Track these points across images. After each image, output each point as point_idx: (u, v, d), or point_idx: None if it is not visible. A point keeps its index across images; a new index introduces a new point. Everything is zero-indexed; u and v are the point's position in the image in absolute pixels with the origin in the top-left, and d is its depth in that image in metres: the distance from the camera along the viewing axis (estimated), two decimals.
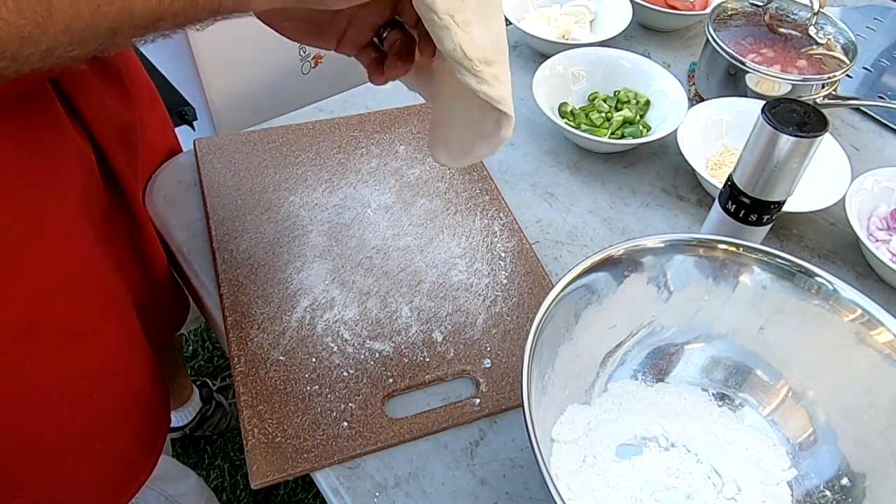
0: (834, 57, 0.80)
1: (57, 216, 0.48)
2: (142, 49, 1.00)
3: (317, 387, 0.56)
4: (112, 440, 0.57)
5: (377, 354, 0.58)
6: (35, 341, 0.48)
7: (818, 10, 0.81)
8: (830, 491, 0.50)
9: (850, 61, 0.80)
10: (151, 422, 0.63)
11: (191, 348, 1.46)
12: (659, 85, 0.82)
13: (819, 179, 0.72)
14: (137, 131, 0.63)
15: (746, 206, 0.57)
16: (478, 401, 0.56)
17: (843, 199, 0.69)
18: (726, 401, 0.56)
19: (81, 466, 0.55)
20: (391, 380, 0.57)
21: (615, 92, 0.84)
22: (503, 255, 0.67)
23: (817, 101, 0.80)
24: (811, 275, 0.51)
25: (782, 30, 0.84)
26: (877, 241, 0.70)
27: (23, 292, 0.46)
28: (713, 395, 0.56)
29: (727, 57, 0.80)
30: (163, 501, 0.71)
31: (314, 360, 0.58)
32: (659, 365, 0.57)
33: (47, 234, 0.47)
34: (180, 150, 0.79)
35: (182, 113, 0.93)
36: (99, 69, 0.56)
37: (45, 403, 0.50)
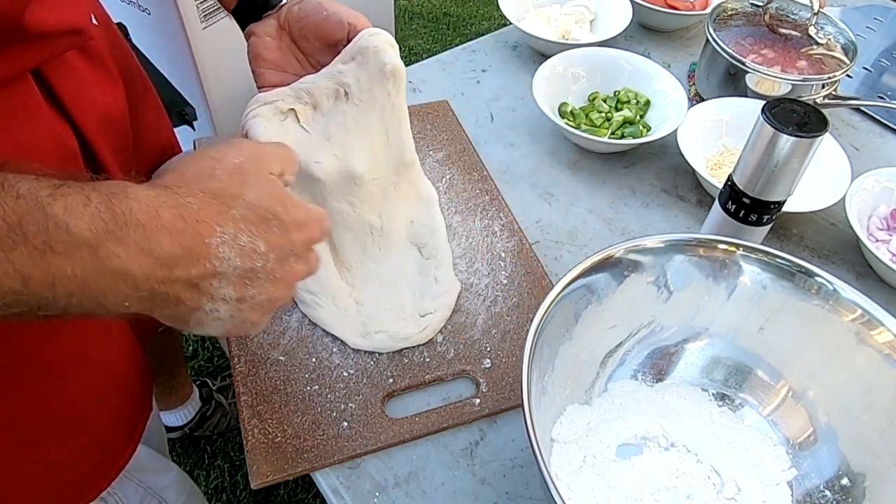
0: (834, 57, 0.80)
1: None
2: (141, 48, 1.00)
3: (317, 387, 0.56)
4: (89, 426, 0.57)
5: (377, 354, 0.58)
6: (9, 328, 0.48)
7: (818, 10, 0.81)
8: (830, 491, 0.50)
9: (850, 61, 0.80)
10: (130, 410, 0.63)
11: (191, 348, 1.46)
12: (659, 85, 0.82)
13: (819, 179, 0.72)
14: (127, 120, 0.63)
15: (746, 206, 0.57)
16: (478, 401, 0.56)
17: (843, 199, 0.69)
18: (726, 401, 0.56)
19: (57, 451, 0.55)
20: (391, 380, 0.57)
21: (615, 92, 0.84)
22: (503, 255, 0.67)
23: (817, 101, 0.80)
24: (811, 275, 0.51)
25: (782, 30, 0.84)
26: (877, 241, 0.69)
27: None
28: (713, 395, 0.56)
29: (727, 57, 0.80)
30: (142, 493, 0.71)
31: (314, 360, 0.57)
32: (659, 365, 0.57)
33: None
34: (176, 141, 0.79)
35: (182, 113, 0.94)
36: (83, 57, 0.56)
37: (18, 390, 0.50)
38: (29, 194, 0.31)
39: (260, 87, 0.58)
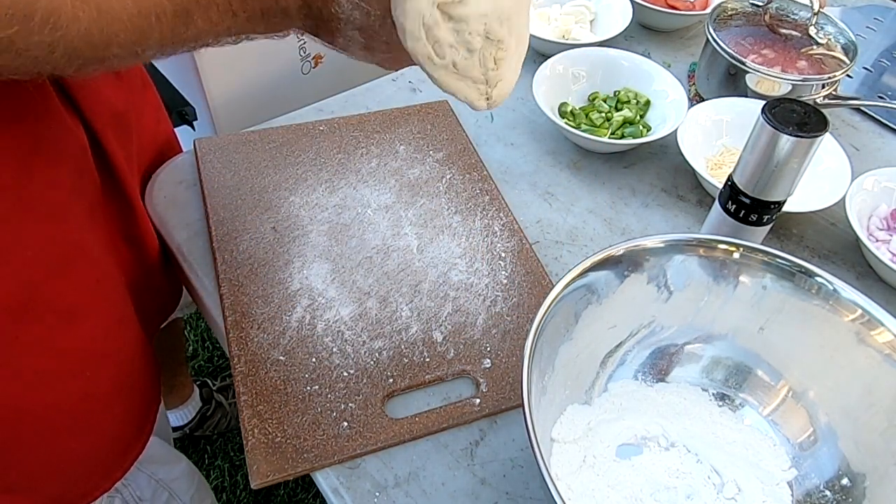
0: (834, 57, 0.80)
1: (48, 197, 0.49)
2: None
3: (317, 387, 0.56)
4: (103, 417, 0.58)
5: (377, 354, 0.58)
6: (28, 319, 0.48)
7: (818, 10, 0.82)
8: (830, 491, 0.50)
9: (851, 61, 0.80)
10: (142, 401, 0.64)
11: (191, 348, 1.46)
12: (659, 85, 0.82)
13: (819, 179, 0.72)
14: (131, 116, 0.63)
15: (746, 206, 0.57)
16: (478, 401, 0.56)
17: (843, 199, 0.69)
18: (726, 401, 0.56)
19: (73, 442, 0.56)
20: (391, 380, 0.57)
21: (615, 92, 0.84)
22: (503, 255, 0.67)
23: (817, 101, 0.80)
24: (811, 275, 0.51)
25: (782, 30, 0.84)
26: (877, 241, 0.69)
27: (15, 271, 0.47)
28: (713, 395, 0.56)
29: (727, 57, 0.80)
30: (154, 485, 0.71)
31: (314, 360, 0.58)
32: (659, 365, 0.57)
33: (38, 214, 0.48)
34: (174, 137, 0.79)
35: (182, 113, 0.93)
36: None
37: (38, 379, 0.51)
38: None
39: None
